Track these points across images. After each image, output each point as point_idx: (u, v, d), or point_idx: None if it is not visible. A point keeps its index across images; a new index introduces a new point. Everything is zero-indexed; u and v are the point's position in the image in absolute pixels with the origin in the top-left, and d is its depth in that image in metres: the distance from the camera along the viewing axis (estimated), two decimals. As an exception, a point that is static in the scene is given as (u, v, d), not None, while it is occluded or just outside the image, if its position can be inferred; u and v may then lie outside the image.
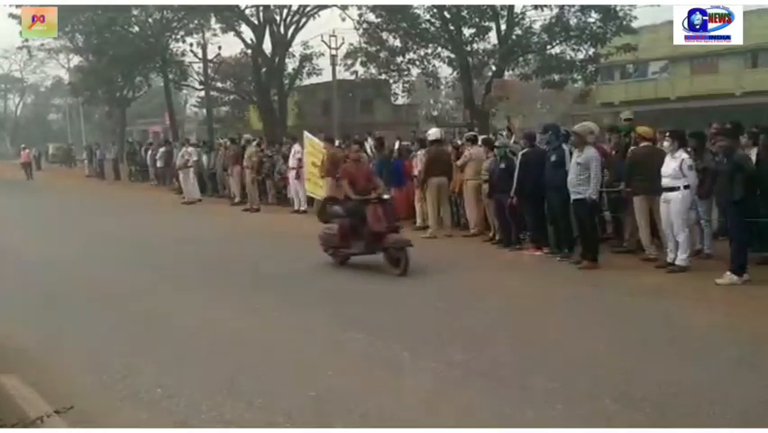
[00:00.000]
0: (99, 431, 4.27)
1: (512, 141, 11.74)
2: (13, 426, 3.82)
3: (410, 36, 26.04)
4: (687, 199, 8.09)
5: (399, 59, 26.93)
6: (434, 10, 24.81)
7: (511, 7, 24.59)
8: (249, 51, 32.76)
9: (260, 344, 5.95)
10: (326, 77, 34.22)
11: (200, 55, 34.18)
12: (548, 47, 25.17)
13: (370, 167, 10.68)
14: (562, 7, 23.94)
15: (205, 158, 20.52)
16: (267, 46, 31.26)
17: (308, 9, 30.70)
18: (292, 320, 6.67)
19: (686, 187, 8.00)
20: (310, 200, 15.23)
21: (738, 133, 8.39)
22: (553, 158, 9.13)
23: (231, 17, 30.48)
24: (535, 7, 24.30)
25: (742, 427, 4.02)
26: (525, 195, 9.55)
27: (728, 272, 7.45)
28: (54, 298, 7.95)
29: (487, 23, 25.07)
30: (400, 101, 35.79)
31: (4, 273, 9.59)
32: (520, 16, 24.96)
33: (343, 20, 27.83)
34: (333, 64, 31.70)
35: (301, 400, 4.56)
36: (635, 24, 24.57)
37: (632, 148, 9.37)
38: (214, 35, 33.84)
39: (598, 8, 23.75)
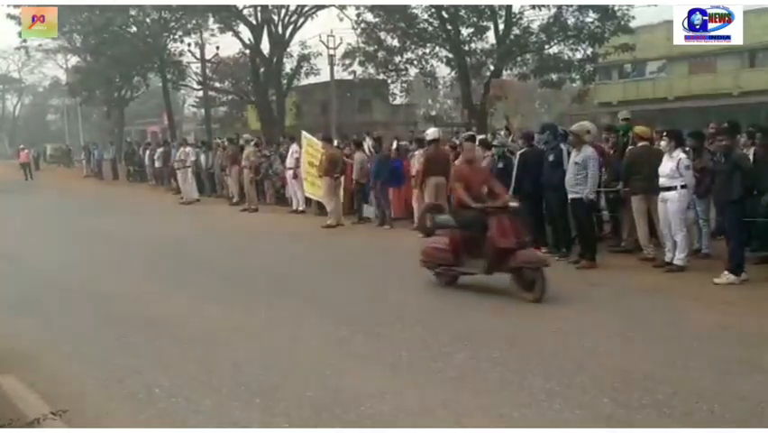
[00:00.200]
0: (98, 431, 4.27)
1: (510, 140, 11.75)
2: (11, 426, 3.82)
3: (408, 36, 26.06)
4: (684, 199, 8.10)
5: (397, 58, 26.94)
6: (432, 10, 24.83)
7: (509, 7, 24.62)
8: (247, 51, 32.76)
9: (260, 343, 5.95)
10: (324, 77, 34.30)
11: (198, 55, 34.21)
12: (546, 47, 25.20)
13: (487, 168, 9.28)
14: (560, 7, 23.97)
15: (203, 158, 20.53)
16: (265, 46, 31.32)
17: (306, 9, 30.71)
18: (292, 320, 6.67)
19: (683, 186, 8.01)
20: (308, 200, 15.25)
21: (736, 132, 8.41)
22: (550, 158, 9.13)
23: (229, 17, 30.47)
24: (533, 7, 24.33)
25: (742, 427, 4.02)
26: (523, 195, 9.54)
27: (726, 272, 7.46)
28: (53, 297, 7.95)
29: (485, 23, 25.11)
30: (398, 101, 35.82)
31: (4, 273, 9.59)
32: (518, 16, 25.00)
33: (341, 20, 27.90)
34: (331, 64, 31.76)
35: (300, 399, 4.56)
36: (632, 24, 24.60)
37: (629, 148, 9.38)
38: (212, 35, 33.88)
39: (595, 8, 23.78)
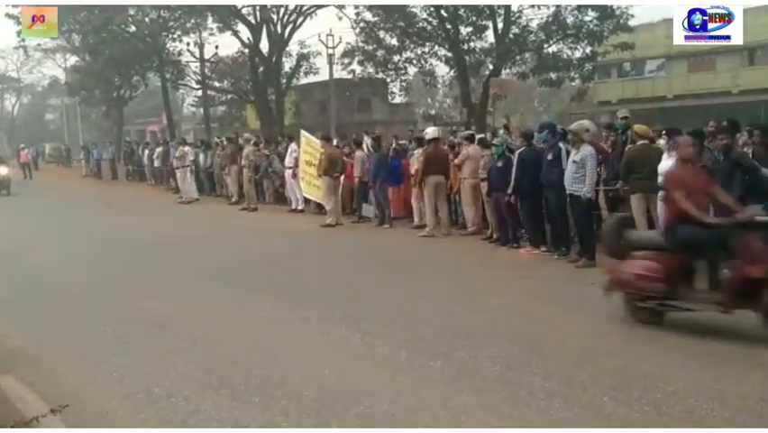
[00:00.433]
0: (98, 431, 4.27)
1: (509, 138, 11.76)
2: (9, 426, 3.82)
3: (407, 35, 26.03)
4: (684, 198, 8.08)
5: (396, 57, 26.90)
6: (431, 9, 24.80)
7: (508, 6, 24.59)
8: (246, 51, 32.73)
9: (260, 343, 5.95)
10: (323, 76, 34.26)
11: (197, 54, 34.20)
12: (545, 45, 25.17)
13: (705, 171, 7.15)
14: (558, 6, 23.95)
15: (202, 157, 20.54)
16: (264, 45, 31.27)
17: (305, 8, 30.67)
18: (292, 320, 6.67)
19: (683, 185, 7.99)
20: (307, 200, 15.24)
21: (736, 131, 8.40)
22: (549, 156, 9.14)
23: (228, 16, 30.45)
24: (532, 6, 24.32)
25: (741, 426, 4.02)
26: (522, 193, 9.56)
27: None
28: (52, 297, 7.94)
29: (484, 22, 25.07)
30: (397, 100, 35.82)
31: (3, 273, 9.58)
32: (517, 15, 24.95)
33: (340, 19, 27.84)
34: (331, 63, 31.70)
35: (300, 399, 4.56)
36: (631, 23, 24.59)
37: (629, 146, 9.37)
38: (211, 34, 33.87)
39: (594, 7, 23.77)
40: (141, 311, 7.10)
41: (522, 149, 9.82)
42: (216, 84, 37.55)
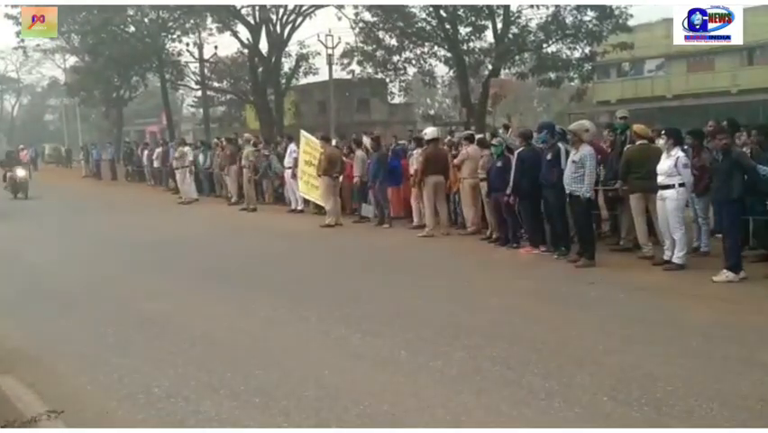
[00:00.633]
0: (98, 431, 4.27)
1: (509, 135, 11.80)
2: (9, 426, 3.82)
3: (406, 35, 26.05)
4: (682, 197, 8.11)
5: (396, 58, 26.93)
6: (431, 9, 24.82)
7: (507, 6, 24.61)
8: (245, 51, 32.74)
9: (260, 343, 5.95)
10: (323, 76, 34.27)
11: (196, 55, 34.20)
12: (544, 45, 25.19)
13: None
14: (558, 6, 23.96)
15: (201, 157, 20.54)
16: (263, 45, 31.28)
17: (304, 8, 30.70)
18: (291, 320, 6.66)
19: (681, 184, 8.02)
20: (307, 200, 15.23)
21: (735, 130, 8.41)
22: (548, 156, 9.14)
23: (227, 17, 30.45)
24: (531, 6, 24.33)
25: (741, 426, 4.02)
26: (521, 193, 9.56)
27: (725, 270, 7.46)
28: (52, 297, 7.94)
29: (483, 22, 25.10)
30: (397, 100, 35.85)
31: (3, 273, 9.58)
32: (516, 15, 24.99)
33: (339, 19, 27.89)
34: (330, 63, 31.72)
35: (300, 399, 4.56)
36: (630, 22, 24.61)
37: (628, 146, 9.38)
38: (211, 35, 33.92)
39: (594, 6, 23.78)
40: (141, 311, 7.10)
41: (521, 149, 9.82)
42: (216, 84, 37.56)
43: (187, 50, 33.77)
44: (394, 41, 26.65)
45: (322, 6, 29.85)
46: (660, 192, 8.20)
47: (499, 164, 10.08)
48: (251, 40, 31.09)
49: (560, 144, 9.17)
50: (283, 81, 33.61)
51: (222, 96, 39.97)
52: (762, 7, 25.44)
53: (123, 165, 29.39)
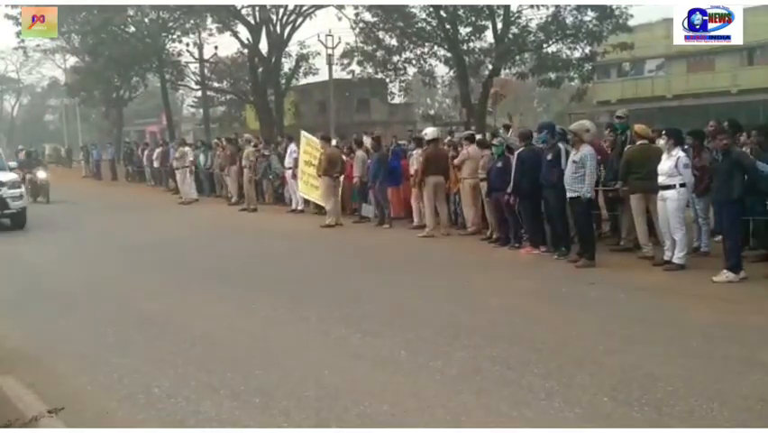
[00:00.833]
0: (97, 431, 4.27)
1: (509, 135, 11.80)
2: (9, 426, 3.82)
3: (406, 35, 26.04)
4: (683, 197, 8.11)
5: (396, 58, 26.92)
6: (431, 9, 24.81)
7: (507, 6, 24.60)
8: (245, 51, 32.73)
9: (260, 343, 5.94)
10: (323, 76, 34.26)
11: (197, 55, 34.21)
12: (544, 45, 25.19)
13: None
14: (558, 6, 23.96)
15: (202, 158, 20.54)
16: (263, 46, 31.27)
17: (305, 9, 30.68)
18: (291, 320, 6.66)
19: (682, 185, 8.02)
20: (307, 200, 15.24)
21: (736, 131, 8.40)
22: (548, 156, 9.14)
23: (227, 17, 30.44)
24: (532, 6, 24.33)
25: (741, 426, 4.02)
26: (521, 194, 9.55)
27: (725, 270, 7.46)
28: (52, 297, 7.94)
29: (483, 22, 25.09)
30: (397, 100, 35.80)
31: (3, 273, 9.58)
32: (516, 15, 24.97)
33: (340, 19, 27.88)
34: (330, 63, 31.71)
35: (300, 399, 4.56)
36: (631, 22, 24.60)
37: (628, 146, 9.38)
38: (211, 35, 33.90)
39: (594, 7, 23.77)
40: (141, 311, 7.10)
41: (521, 149, 9.82)
42: (216, 84, 37.56)
43: (187, 51, 33.83)
44: (394, 42, 26.65)
45: (322, 6, 29.85)
46: (661, 192, 8.19)
47: (500, 164, 10.08)
48: (251, 40, 31.09)
49: (560, 144, 9.16)
50: (283, 81, 33.61)
51: (222, 97, 39.97)
52: (762, 7, 25.42)
53: (124, 165, 29.39)
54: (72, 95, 41.30)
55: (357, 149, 14.10)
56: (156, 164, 23.77)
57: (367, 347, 5.64)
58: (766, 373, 4.78)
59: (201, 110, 40.41)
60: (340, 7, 27.42)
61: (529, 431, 4.08)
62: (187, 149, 19.84)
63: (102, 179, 29.89)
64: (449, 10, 24.46)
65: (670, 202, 8.05)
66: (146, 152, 25.49)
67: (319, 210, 14.40)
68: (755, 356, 5.13)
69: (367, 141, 14.69)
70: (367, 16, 26.21)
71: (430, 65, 27.29)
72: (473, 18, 24.81)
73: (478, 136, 12.23)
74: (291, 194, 16.14)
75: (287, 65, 33.72)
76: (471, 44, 25.72)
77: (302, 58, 33.66)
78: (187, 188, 19.06)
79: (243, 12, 30.20)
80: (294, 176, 15.54)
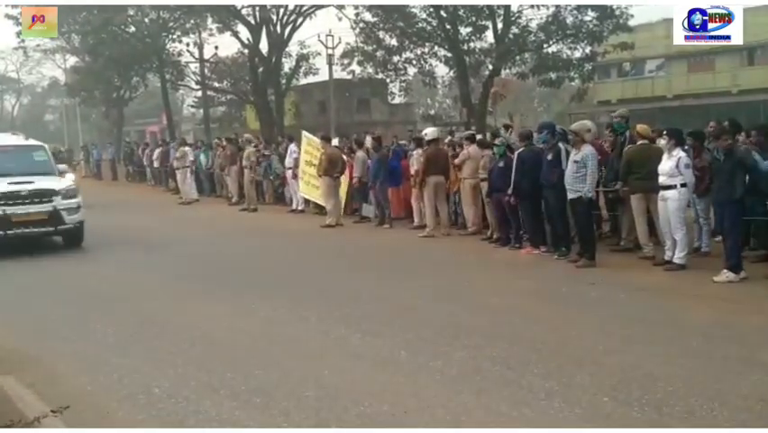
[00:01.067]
0: (97, 431, 4.27)
1: (510, 134, 11.80)
2: (11, 427, 3.82)
3: (407, 35, 26.01)
4: (684, 197, 8.11)
5: (396, 58, 26.88)
6: (431, 9, 24.79)
7: (507, 6, 24.59)
8: (245, 51, 32.71)
9: (260, 343, 5.94)
10: (323, 76, 34.24)
11: (197, 55, 34.15)
12: (545, 45, 25.17)
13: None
14: (558, 6, 23.94)
15: (202, 158, 20.54)
16: (263, 46, 31.24)
17: (305, 9, 30.64)
18: (292, 320, 6.66)
19: (683, 185, 8.02)
20: (307, 200, 15.25)
21: (737, 131, 8.40)
22: (549, 157, 9.13)
23: (227, 17, 30.43)
24: (532, 6, 24.31)
25: (741, 426, 4.02)
26: (521, 194, 9.55)
27: (726, 270, 7.46)
28: (52, 298, 7.94)
29: (483, 22, 25.06)
30: (397, 100, 35.77)
31: (3, 273, 9.58)
32: (517, 15, 24.93)
33: (340, 19, 27.83)
34: (330, 63, 31.70)
35: (300, 399, 4.56)
36: (631, 22, 24.59)
37: (628, 146, 9.38)
38: (211, 35, 33.83)
39: (594, 7, 23.76)
40: (141, 311, 7.10)
41: (521, 149, 9.81)
42: (216, 84, 37.52)
43: (188, 51, 33.75)
44: (394, 42, 26.61)
45: (322, 6, 29.80)
46: (661, 193, 8.19)
47: (501, 164, 10.07)
48: (251, 40, 31.06)
49: (560, 145, 9.16)
50: (283, 81, 33.58)
51: (222, 97, 39.92)
52: (762, 7, 25.43)
53: (124, 165, 29.40)
54: (72, 95, 41.27)
55: (357, 149, 14.10)
56: (156, 164, 23.77)
57: (367, 347, 5.64)
58: (766, 373, 4.78)
59: (201, 110, 40.36)
60: (340, 7, 27.40)
61: (529, 431, 4.08)
62: (187, 149, 19.84)
63: (102, 179, 29.91)
64: (449, 10, 24.43)
65: (671, 202, 8.05)
66: (146, 152, 25.49)
67: (319, 210, 14.40)
68: (755, 356, 5.13)
69: (368, 141, 14.68)
70: (367, 16, 26.19)
71: (430, 65, 27.27)
72: (473, 18, 24.77)
73: (478, 136, 12.23)
74: (292, 194, 16.14)
75: (287, 65, 33.71)
76: (472, 44, 25.69)
77: (302, 58, 33.63)
78: (187, 189, 19.06)
79: (244, 12, 30.17)
80: (294, 176, 15.55)
